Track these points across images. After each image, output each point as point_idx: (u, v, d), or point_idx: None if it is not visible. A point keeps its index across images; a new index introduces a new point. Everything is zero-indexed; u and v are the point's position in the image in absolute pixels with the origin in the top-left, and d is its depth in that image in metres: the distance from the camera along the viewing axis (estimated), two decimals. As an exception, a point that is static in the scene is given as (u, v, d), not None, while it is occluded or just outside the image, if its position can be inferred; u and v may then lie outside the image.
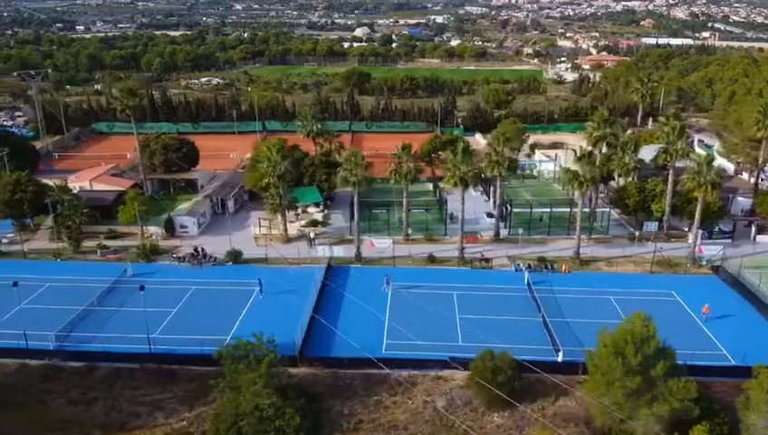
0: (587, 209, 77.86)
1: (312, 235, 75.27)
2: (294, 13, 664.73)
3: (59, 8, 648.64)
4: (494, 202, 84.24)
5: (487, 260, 67.67)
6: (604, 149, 75.65)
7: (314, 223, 78.68)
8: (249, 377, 41.19)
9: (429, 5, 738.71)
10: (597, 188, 69.77)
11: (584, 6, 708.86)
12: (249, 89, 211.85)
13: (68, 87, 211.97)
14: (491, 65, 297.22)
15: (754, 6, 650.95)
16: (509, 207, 76.63)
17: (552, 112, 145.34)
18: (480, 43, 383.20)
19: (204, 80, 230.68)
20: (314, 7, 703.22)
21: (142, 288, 50.91)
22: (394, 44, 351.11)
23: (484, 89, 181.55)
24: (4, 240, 74.67)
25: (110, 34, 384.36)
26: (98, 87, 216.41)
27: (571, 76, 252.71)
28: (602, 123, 73.88)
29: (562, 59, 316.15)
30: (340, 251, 69.25)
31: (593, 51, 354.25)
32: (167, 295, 62.61)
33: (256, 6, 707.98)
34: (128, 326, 55.94)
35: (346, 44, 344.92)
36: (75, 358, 50.35)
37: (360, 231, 69.30)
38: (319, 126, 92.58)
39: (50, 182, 77.88)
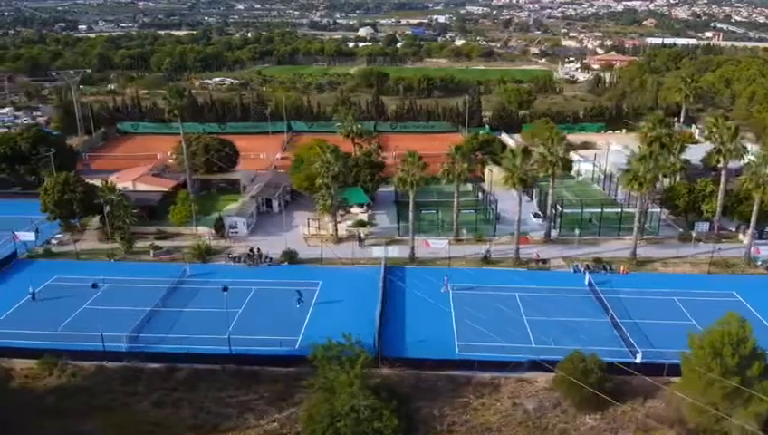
0: (633, 210, 77.90)
1: (362, 235, 74.94)
2: (296, 12, 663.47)
3: (60, 8, 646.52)
4: (538, 203, 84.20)
5: (545, 261, 67.58)
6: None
7: (361, 223, 78.46)
8: (345, 378, 41.06)
9: (430, 5, 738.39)
10: (654, 188, 69.67)
11: (585, 6, 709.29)
12: (264, 89, 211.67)
13: (81, 87, 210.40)
14: (499, 65, 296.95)
15: (755, 6, 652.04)
16: (559, 208, 76.24)
17: (576, 112, 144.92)
18: (484, 42, 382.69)
19: (217, 80, 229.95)
20: (316, 7, 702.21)
21: (225, 289, 50.98)
22: (399, 44, 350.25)
23: (503, 88, 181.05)
24: (54, 241, 74.22)
25: (114, 34, 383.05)
26: (111, 87, 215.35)
27: (581, 76, 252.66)
28: (657, 124, 73.77)
29: (571, 59, 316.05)
30: (394, 251, 68.86)
31: (599, 51, 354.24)
32: (230, 296, 62.10)
33: (258, 6, 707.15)
34: (198, 327, 56.27)
35: (351, 44, 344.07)
36: (153, 359, 49.72)
37: (414, 232, 68.83)
38: (359, 126, 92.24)
39: (97, 182, 77.39)
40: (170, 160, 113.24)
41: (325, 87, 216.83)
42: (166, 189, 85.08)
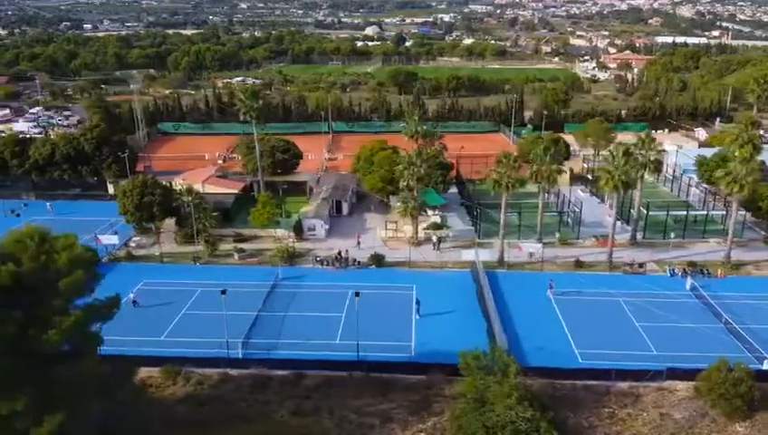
0: (718, 212, 77.25)
1: (435, 238, 73.97)
2: (299, 12, 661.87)
3: (63, 6, 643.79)
4: (613, 204, 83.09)
5: (641, 265, 66.66)
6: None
7: (437, 226, 77.28)
8: (501, 389, 40.03)
9: (434, 4, 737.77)
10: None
11: (589, 5, 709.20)
12: (289, 88, 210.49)
13: (103, 86, 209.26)
14: (513, 64, 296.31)
15: (759, 5, 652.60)
16: (644, 211, 75.40)
17: (618, 112, 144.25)
18: (493, 41, 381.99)
19: (238, 79, 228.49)
20: (319, 6, 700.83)
21: (357, 295, 49.48)
22: (408, 43, 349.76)
23: (540, 88, 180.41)
24: (132, 244, 73.02)
25: (122, 33, 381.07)
26: (134, 87, 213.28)
27: (601, 75, 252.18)
28: (750, 125, 73.03)
29: (586, 58, 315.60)
30: (484, 255, 67.84)
31: (611, 50, 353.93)
32: (327, 300, 61.54)
33: (261, 5, 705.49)
34: (306, 331, 55.36)
35: (361, 43, 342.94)
36: (279, 366, 48.63)
37: (504, 235, 67.96)
38: (424, 127, 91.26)
39: (178, 185, 76.40)
40: (219, 161, 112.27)
41: (348, 86, 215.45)
42: (236, 191, 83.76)
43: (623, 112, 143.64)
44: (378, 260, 68.24)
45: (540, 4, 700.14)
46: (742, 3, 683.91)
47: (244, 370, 48.77)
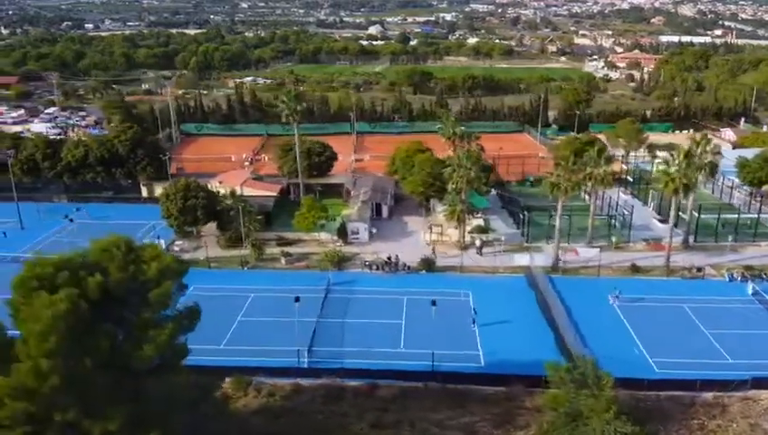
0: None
1: (478, 242, 72.55)
2: (301, 11, 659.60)
3: (63, 6, 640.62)
4: (657, 207, 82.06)
5: (699, 269, 65.36)
6: None
7: (482, 229, 75.94)
8: (598, 403, 38.63)
9: (434, 3, 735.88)
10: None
11: (590, 4, 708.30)
12: (303, 88, 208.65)
13: (114, 87, 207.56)
14: (522, 63, 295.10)
15: (760, 4, 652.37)
16: (695, 214, 74.11)
17: (643, 112, 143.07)
18: (497, 41, 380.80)
19: (249, 79, 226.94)
20: (320, 5, 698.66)
21: (434, 303, 48.04)
22: (413, 42, 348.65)
23: (561, 88, 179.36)
24: (175, 248, 71.47)
25: (126, 33, 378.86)
26: (145, 86, 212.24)
27: (613, 74, 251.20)
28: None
29: (594, 57, 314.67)
30: (540, 259, 66.50)
31: (618, 49, 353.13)
32: (383, 306, 60.21)
33: (262, 4, 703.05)
34: (368, 339, 54.15)
35: (367, 42, 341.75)
36: (352, 375, 47.23)
37: (559, 238, 66.61)
38: (462, 128, 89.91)
39: (215, 187, 75.02)
40: (246, 163, 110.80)
41: (362, 86, 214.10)
42: (274, 194, 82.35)
43: (648, 113, 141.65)
44: (428, 265, 66.88)
45: (541, 3, 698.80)
46: (743, 2, 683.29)
47: (315, 380, 47.25)
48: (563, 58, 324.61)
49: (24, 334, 32.08)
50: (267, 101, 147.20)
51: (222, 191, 75.26)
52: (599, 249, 67.15)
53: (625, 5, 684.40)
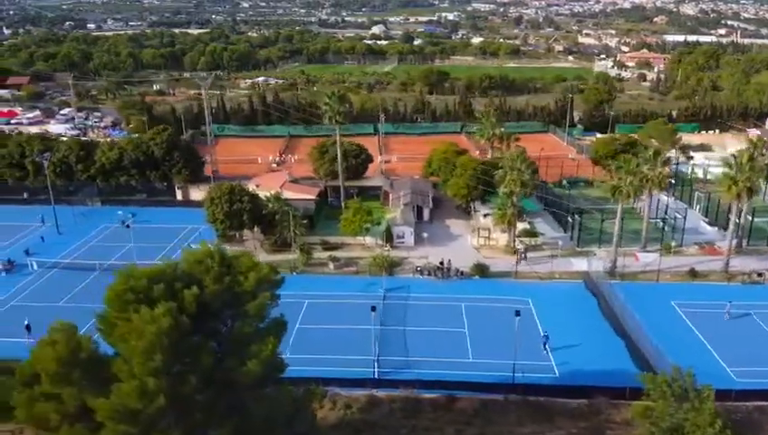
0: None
1: (522, 247, 70.90)
2: (302, 11, 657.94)
3: (64, 6, 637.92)
4: (705, 210, 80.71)
5: (760, 274, 63.95)
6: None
7: (530, 233, 74.42)
8: (700, 417, 37.07)
9: (436, 2, 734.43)
10: None
11: (592, 3, 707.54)
12: (315, 88, 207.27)
13: (127, 87, 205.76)
14: (530, 63, 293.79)
15: (762, 3, 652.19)
16: (749, 217, 72.67)
17: (669, 112, 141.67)
18: (501, 40, 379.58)
19: (260, 79, 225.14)
20: (321, 5, 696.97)
21: (518, 314, 46.42)
22: (418, 42, 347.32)
23: (570, 87, 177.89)
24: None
25: (129, 33, 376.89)
26: (157, 87, 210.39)
27: (625, 74, 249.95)
28: None
29: (602, 56, 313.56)
30: (598, 265, 64.95)
31: (624, 48, 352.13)
32: (442, 313, 58.74)
33: (263, 4, 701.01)
34: (432, 348, 52.66)
35: (369, 42, 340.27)
36: (425, 387, 45.66)
37: (617, 243, 65.05)
38: (502, 129, 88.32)
39: (253, 190, 73.49)
40: (273, 165, 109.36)
41: (374, 86, 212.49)
42: (314, 197, 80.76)
43: (674, 113, 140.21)
44: (481, 270, 65.24)
45: (542, 2, 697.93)
46: (744, 1, 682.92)
47: (389, 391, 45.53)
48: (571, 57, 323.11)
49: (123, 352, 30.40)
50: (290, 102, 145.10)
51: (262, 194, 73.58)
52: (658, 254, 65.39)
53: (626, 5, 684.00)
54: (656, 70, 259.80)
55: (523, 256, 69.66)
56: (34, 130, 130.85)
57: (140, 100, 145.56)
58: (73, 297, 60.95)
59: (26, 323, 52.79)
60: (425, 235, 72.06)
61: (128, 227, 60.79)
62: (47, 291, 62.04)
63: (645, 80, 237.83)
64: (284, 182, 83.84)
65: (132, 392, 28.36)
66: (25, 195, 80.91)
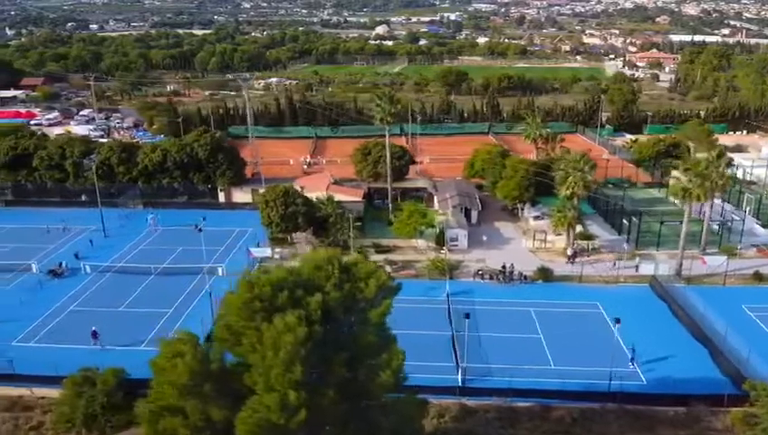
0: None
1: (571, 250, 69.79)
2: (303, 11, 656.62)
3: (65, 7, 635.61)
4: (756, 212, 79.84)
5: (828, 276, 62.86)
6: None
7: (586, 236, 73.34)
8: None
9: (437, 2, 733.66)
10: None
11: (593, 3, 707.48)
12: (330, 89, 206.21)
13: (143, 88, 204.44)
14: (538, 63, 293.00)
15: (763, 3, 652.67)
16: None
17: (698, 113, 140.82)
18: (506, 40, 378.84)
19: (275, 80, 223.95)
20: (322, 5, 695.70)
21: (618, 321, 45.24)
22: (423, 42, 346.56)
23: (589, 88, 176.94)
24: (276, 256, 68.64)
25: (134, 33, 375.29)
26: (171, 87, 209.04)
27: (639, 74, 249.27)
28: None
29: (611, 56, 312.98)
30: (664, 268, 63.84)
31: (631, 48, 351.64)
32: (512, 319, 57.58)
33: (264, 4, 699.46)
34: (510, 355, 51.15)
35: (373, 42, 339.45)
36: (519, 395, 44.58)
37: (684, 246, 64.00)
38: (548, 130, 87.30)
39: (311, 193, 72.56)
40: (304, 166, 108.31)
41: (390, 87, 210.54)
42: (360, 199, 79.68)
43: (701, 113, 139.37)
44: (545, 274, 64.06)
45: (544, 3, 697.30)
46: (745, 1, 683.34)
47: (478, 399, 44.36)
48: (578, 58, 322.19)
49: (254, 363, 29.22)
50: (317, 102, 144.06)
51: (311, 196, 72.72)
52: (726, 257, 64.33)
53: (628, 5, 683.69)
54: (667, 70, 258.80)
55: (572, 259, 68.38)
56: (58, 130, 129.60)
57: (166, 101, 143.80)
58: (134, 302, 59.50)
59: (93, 329, 51.45)
60: (484, 238, 70.81)
61: (200, 230, 59.44)
62: (105, 295, 60.88)
63: (658, 80, 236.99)
64: (328, 184, 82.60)
65: (274, 406, 27.23)
66: (84, 197, 79.30)
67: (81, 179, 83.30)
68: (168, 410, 30.63)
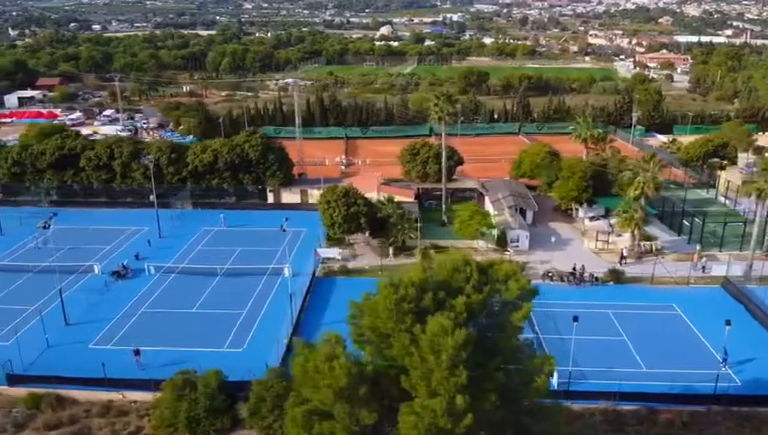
0: None
1: (625, 251, 69.18)
2: (305, 11, 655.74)
3: (66, 7, 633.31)
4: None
5: None
6: None
7: (646, 237, 72.66)
8: None
9: (438, 3, 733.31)
10: None
11: (594, 4, 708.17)
12: (347, 90, 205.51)
13: (160, 89, 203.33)
14: (547, 63, 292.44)
15: (764, 4, 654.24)
16: None
17: (727, 114, 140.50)
18: (511, 41, 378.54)
19: (290, 80, 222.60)
20: (324, 5, 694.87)
21: (729, 323, 44.70)
22: (430, 43, 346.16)
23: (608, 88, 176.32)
24: (338, 257, 67.87)
25: (140, 34, 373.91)
26: (187, 88, 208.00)
27: (652, 75, 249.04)
28: None
29: (621, 57, 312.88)
30: (736, 269, 63.24)
31: (639, 49, 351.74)
32: (591, 320, 56.59)
33: (265, 5, 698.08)
34: (599, 358, 50.63)
35: (378, 43, 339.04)
36: (625, 399, 43.91)
37: (755, 247, 63.44)
38: (600, 131, 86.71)
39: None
40: (341, 167, 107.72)
41: (407, 87, 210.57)
42: (412, 200, 79.01)
43: (731, 114, 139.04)
44: (617, 276, 63.38)
45: (545, 3, 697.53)
46: (746, 2, 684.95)
47: (582, 402, 43.62)
48: (587, 58, 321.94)
49: (409, 366, 28.44)
50: (347, 103, 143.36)
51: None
52: (798, 257, 63.80)
53: (629, 5, 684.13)
54: (679, 70, 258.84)
55: (624, 260, 67.81)
56: (85, 131, 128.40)
57: (195, 102, 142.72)
58: (206, 303, 58.71)
59: (135, 348, 49.48)
60: (552, 239, 70.18)
61: (284, 230, 58.52)
62: (175, 296, 60.01)
63: (672, 80, 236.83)
64: (378, 184, 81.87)
65: (440, 410, 26.43)
66: (152, 197, 78.49)
67: (128, 180, 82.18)
68: (316, 414, 29.86)
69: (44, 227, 53.21)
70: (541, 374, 29.81)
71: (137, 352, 47.24)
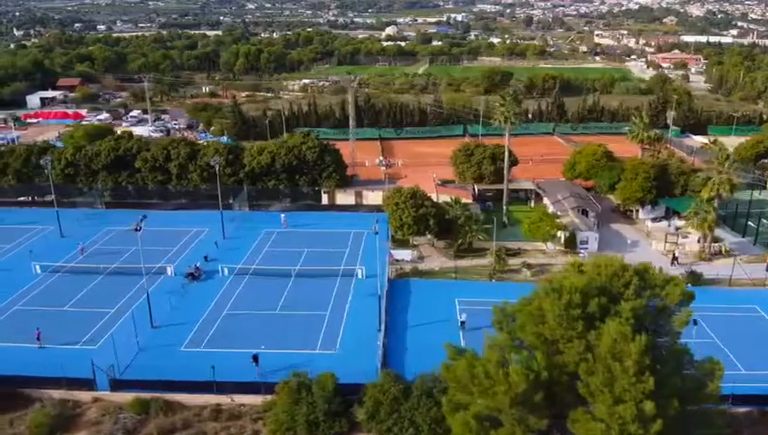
0: None
1: (677, 252, 68.93)
2: (308, 12, 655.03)
3: (69, 8, 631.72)
4: None
5: None
6: None
7: (714, 238, 72.34)
8: None
9: (441, 3, 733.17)
10: None
11: (597, 4, 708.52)
12: (367, 91, 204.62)
13: (177, 89, 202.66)
14: (559, 63, 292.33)
15: (767, 4, 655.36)
16: None
17: (760, 114, 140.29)
18: (518, 41, 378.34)
19: (307, 81, 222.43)
20: (327, 6, 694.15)
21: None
22: (438, 43, 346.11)
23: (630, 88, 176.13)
24: (407, 259, 67.50)
25: (146, 34, 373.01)
26: (206, 89, 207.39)
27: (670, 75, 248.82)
28: None
29: (633, 57, 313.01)
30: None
31: (648, 49, 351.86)
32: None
33: (268, 5, 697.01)
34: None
35: (386, 43, 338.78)
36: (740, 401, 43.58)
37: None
38: (656, 132, 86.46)
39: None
40: (382, 168, 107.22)
41: (426, 87, 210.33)
42: (471, 201, 78.74)
43: (764, 115, 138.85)
44: (694, 278, 63.04)
45: (548, 3, 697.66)
46: (749, 2, 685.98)
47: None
48: (597, 58, 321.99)
49: (587, 372, 28.12)
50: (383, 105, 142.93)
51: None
52: None
53: (632, 5, 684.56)
54: (693, 71, 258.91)
55: (675, 261, 67.55)
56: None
57: (233, 102, 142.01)
58: (286, 304, 58.39)
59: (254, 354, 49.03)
60: (595, 239, 69.91)
61: (376, 233, 58.07)
62: (254, 298, 59.59)
63: (688, 81, 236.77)
64: (436, 185, 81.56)
65: (629, 417, 26.13)
66: (231, 200, 78.38)
67: (184, 181, 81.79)
68: (482, 419, 29.53)
69: (137, 230, 52.55)
70: (713, 379, 29.39)
71: (255, 359, 46.54)
